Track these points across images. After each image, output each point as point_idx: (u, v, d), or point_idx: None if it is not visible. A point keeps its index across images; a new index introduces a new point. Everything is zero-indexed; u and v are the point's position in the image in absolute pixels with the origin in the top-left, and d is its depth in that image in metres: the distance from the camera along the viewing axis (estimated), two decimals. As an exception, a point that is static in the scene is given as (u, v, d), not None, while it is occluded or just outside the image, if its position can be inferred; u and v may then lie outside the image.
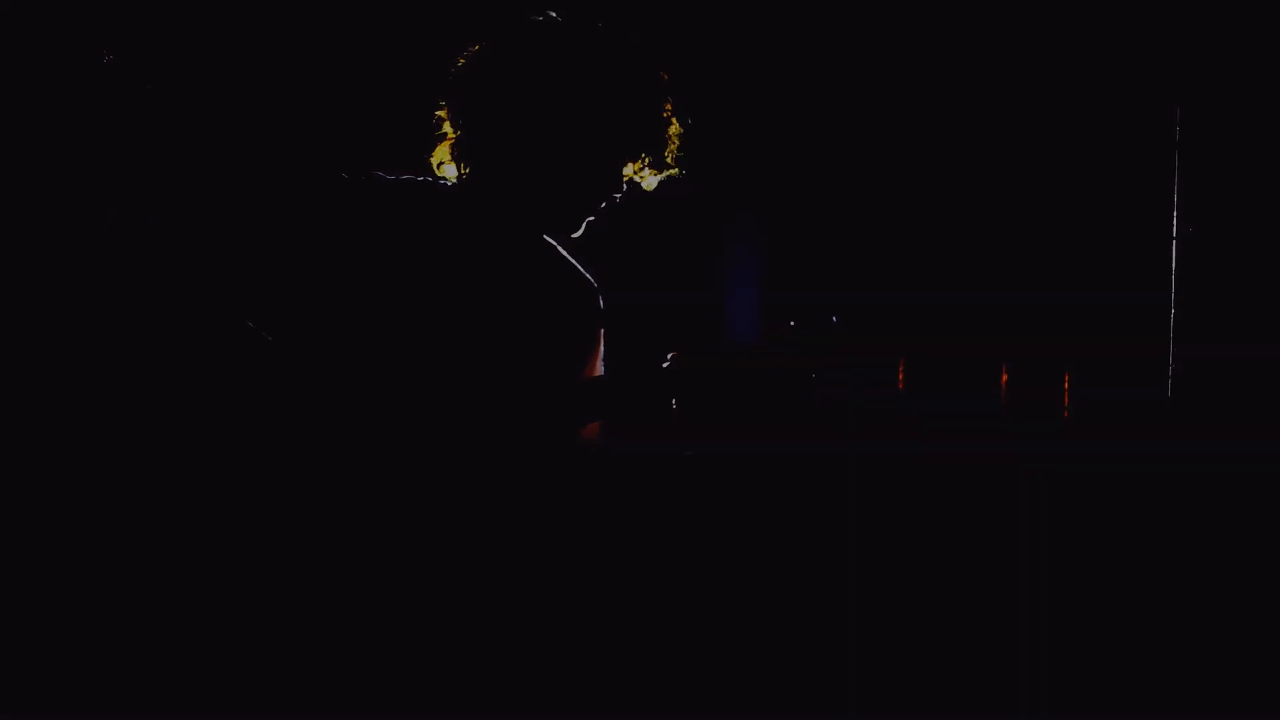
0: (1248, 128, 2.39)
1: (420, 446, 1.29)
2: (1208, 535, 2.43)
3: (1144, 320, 2.54)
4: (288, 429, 1.26)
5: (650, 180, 1.43)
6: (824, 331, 1.43)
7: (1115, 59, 2.53)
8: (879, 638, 2.41)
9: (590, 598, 1.44)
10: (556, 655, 1.38)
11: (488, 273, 1.36)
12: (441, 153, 1.41)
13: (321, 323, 1.27)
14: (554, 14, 1.36)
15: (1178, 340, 2.49)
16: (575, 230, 1.41)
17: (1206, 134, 2.44)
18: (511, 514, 1.35)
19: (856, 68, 2.65)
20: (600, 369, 1.53)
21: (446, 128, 1.38)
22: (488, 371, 1.33)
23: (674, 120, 1.40)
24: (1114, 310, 2.57)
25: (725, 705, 2.18)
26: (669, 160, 1.42)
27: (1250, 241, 2.40)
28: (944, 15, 2.60)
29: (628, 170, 1.40)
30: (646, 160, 1.40)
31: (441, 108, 1.38)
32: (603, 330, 1.53)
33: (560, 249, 1.50)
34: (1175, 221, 2.48)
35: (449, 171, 1.41)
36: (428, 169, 1.43)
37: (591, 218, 1.41)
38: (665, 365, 1.37)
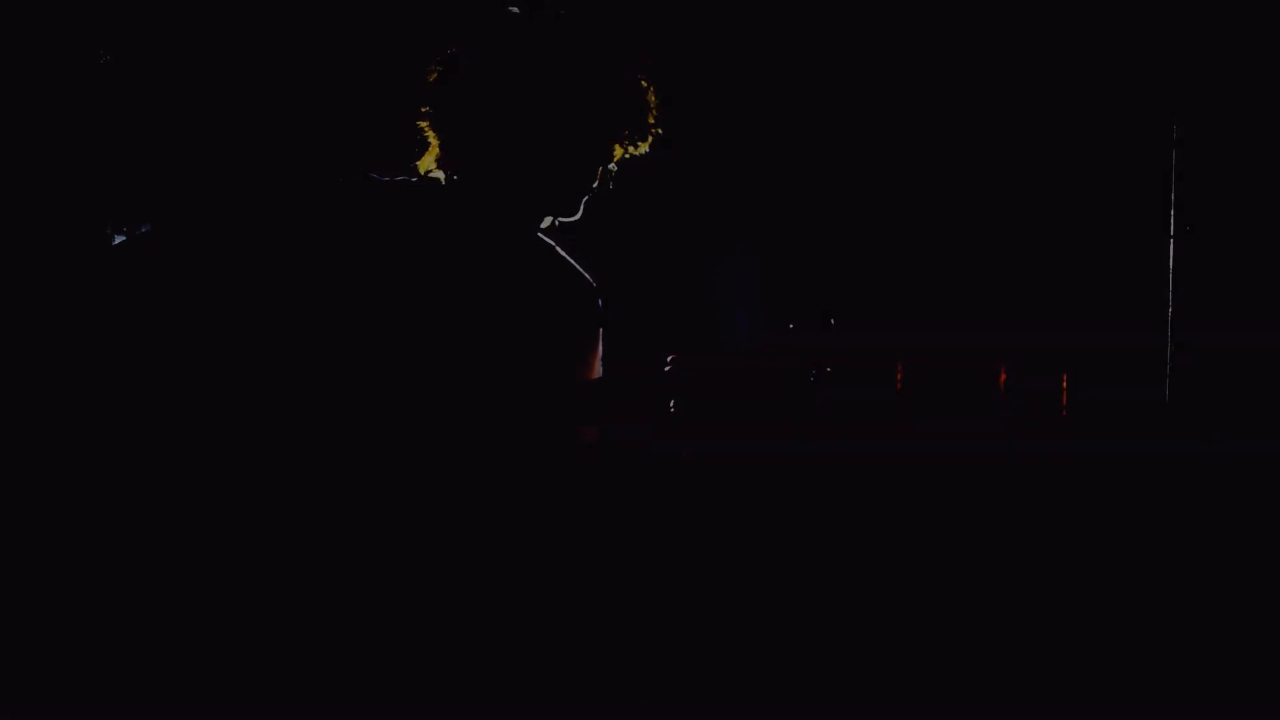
0: (1247, 129, 2.40)
1: (421, 447, 1.29)
2: (1207, 537, 2.43)
3: (1143, 320, 2.54)
4: (289, 430, 1.26)
5: (641, 148, 1.43)
6: (822, 333, 1.43)
7: (1114, 60, 2.53)
8: (876, 639, 2.41)
9: (589, 598, 1.44)
10: (556, 656, 1.38)
11: (487, 273, 1.37)
12: (428, 161, 1.41)
13: (322, 325, 1.27)
14: (513, 9, 1.36)
15: (1175, 339, 2.49)
16: (574, 213, 1.42)
17: (1205, 135, 2.44)
18: (511, 514, 1.35)
19: (857, 68, 2.65)
20: (600, 369, 1.53)
21: (429, 135, 1.39)
22: (488, 372, 1.33)
23: (649, 88, 1.40)
24: (1114, 310, 2.57)
25: (724, 705, 2.18)
26: (652, 126, 1.42)
27: (1250, 242, 2.41)
28: (944, 18, 2.60)
29: (616, 151, 1.41)
30: (628, 133, 1.40)
31: (421, 118, 1.39)
32: (602, 330, 1.53)
33: (559, 249, 1.50)
34: (1173, 222, 2.48)
35: (439, 175, 1.42)
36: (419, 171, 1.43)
37: (587, 197, 1.41)
38: (666, 368, 1.37)
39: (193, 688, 1.23)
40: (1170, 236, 2.49)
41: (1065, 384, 2.58)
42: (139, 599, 1.24)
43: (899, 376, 2.60)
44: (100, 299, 1.25)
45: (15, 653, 1.24)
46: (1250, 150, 2.40)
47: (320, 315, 1.27)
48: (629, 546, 1.92)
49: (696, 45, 2.60)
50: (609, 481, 1.54)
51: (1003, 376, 2.59)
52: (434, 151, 1.39)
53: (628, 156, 1.43)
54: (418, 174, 1.42)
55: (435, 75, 1.36)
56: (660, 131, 1.43)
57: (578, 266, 1.52)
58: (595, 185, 1.41)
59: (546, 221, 1.45)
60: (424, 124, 1.39)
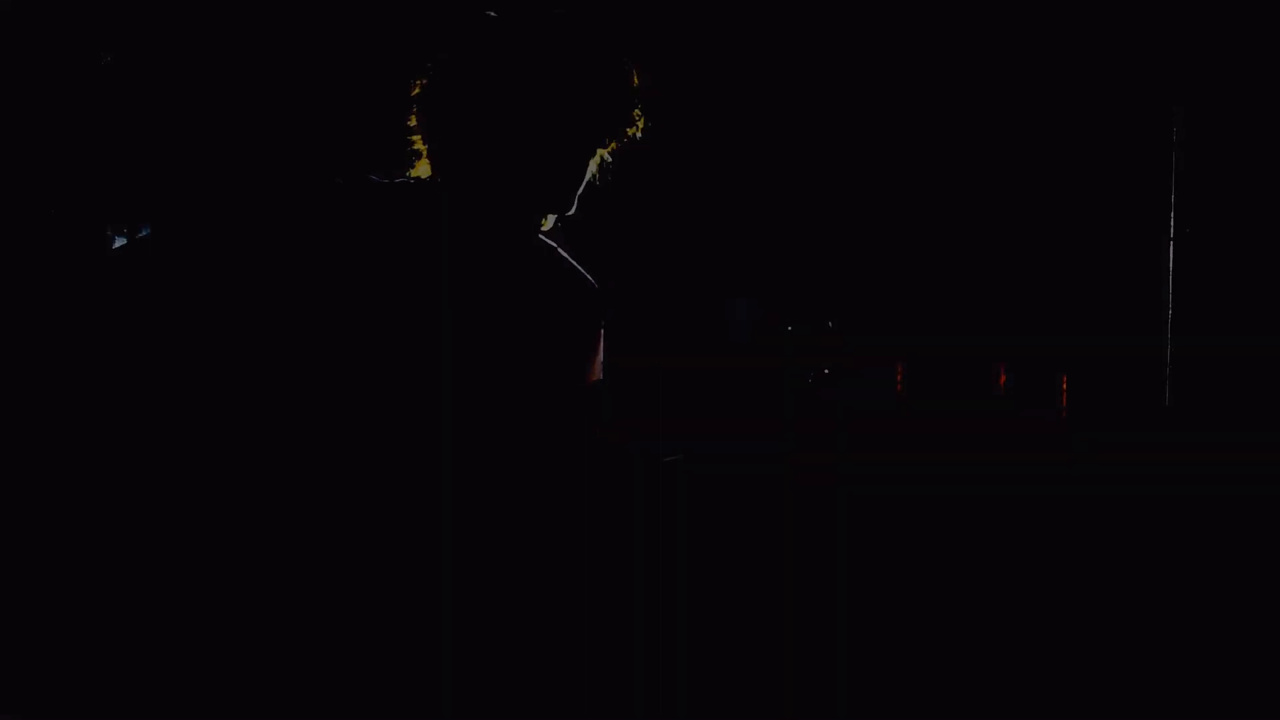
0: (1246, 131, 2.40)
1: (423, 448, 1.29)
2: (1206, 538, 2.43)
3: (1142, 322, 2.54)
4: (295, 435, 1.26)
5: (634, 131, 1.44)
6: (821, 335, 1.44)
7: (1113, 63, 2.54)
8: (873, 639, 2.41)
9: (589, 599, 1.44)
10: (554, 657, 1.38)
11: (489, 275, 1.37)
12: (422, 167, 1.42)
13: (325, 328, 1.26)
14: (490, 12, 1.37)
15: (1174, 342, 2.50)
16: (568, 208, 1.42)
17: (1205, 136, 2.44)
18: (513, 516, 1.35)
19: (858, 69, 2.65)
20: (600, 372, 1.53)
21: (420, 146, 1.40)
22: (490, 373, 1.33)
23: (632, 73, 1.41)
24: (1113, 312, 2.57)
25: (722, 706, 2.18)
26: (638, 120, 1.43)
27: (1249, 243, 2.41)
28: (945, 21, 2.61)
29: (609, 144, 1.42)
30: (615, 124, 1.41)
31: (411, 131, 1.40)
32: (603, 332, 1.53)
33: (561, 250, 1.50)
34: (1173, 223, 2.48)
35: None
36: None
37: (580, 191, 1.42)
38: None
39: (193, 688, 1.23)
40: (1170, 239, 2.49)
41: (1065, 385, 2.59)
42: (140, 599, 1.24)
43: (899, 378, 2.60)
44: (100, 300, 1.25)
45: (15, 653, 1.24)
46: (1251, 152, 2.40)
47: (324, 318, 1.27)
48: (626, 549, 1.92)
49: (694, 45, 2.60)
50: (605, 483, 1.54)
51: (1002, 378, 2.59)
52: (424, 162, 1.40)
53: (618, 147, 1.44)
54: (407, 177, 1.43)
55: (419, 88, 1.37)
56: (642, 121, 1.44)
57: (580, 268, 1.52)
58: (588, 179, 1.42)
59: (550, 221, 1.45)
60: (415, 138, 1.40)
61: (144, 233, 1.26)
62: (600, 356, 1.53)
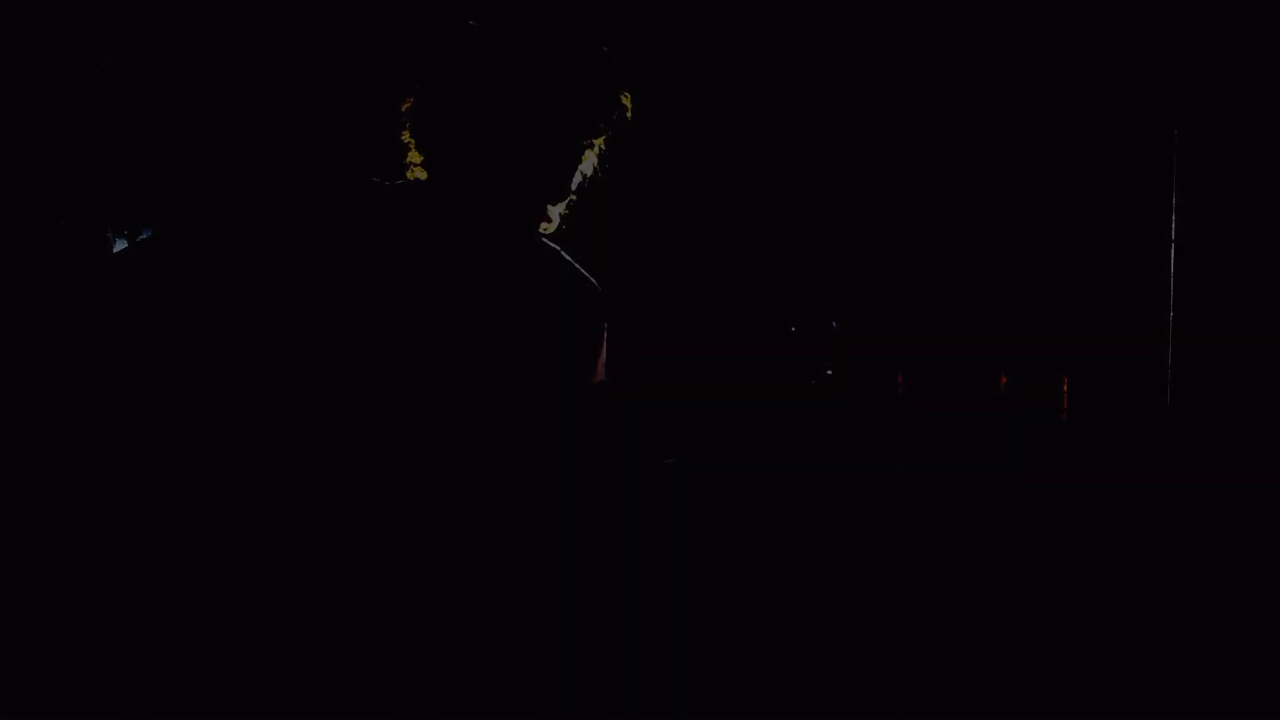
0: (1246, 134, 2.40)
1: (425, 450, 1.29)
2: (1206, 541, 2.44)
3: (1143, 323, 2.54)
4: (297, 434, 1.26)
5: (626, 111, 1.46)
6: (824, 335, 1.44)
7: (1114, 65, 2.54)
8: (873, 641, 2.41)
9: (587, 601, 1.45)
10: (552, 658, 1.38)
11: (492, 277, 1.37)
12: (419, 172, 1.43)
13: (332, 330, 1.27)
14: (471, 22, 1.39)
15: (1175, 342, 2.50)
16: (563, 196, 1.43)
17: (1206, 138, 2.44)
18: (514, 516, 1.35)
19: (858, 68, 2.66)
20: (604, 372, 1.54)
21: (414, 156, 1.41)
22: (491, 374, 1.33)
23: (614, 68, 1.43)
24: (1114, 315, 2.57)
25: (720, 707, 2.19)
26: (627, 106, 1.45)
27: (1250, 245, 2.41)
28: (947, 21, 2.61)
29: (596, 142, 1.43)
30: (604, 116, 1.43)
31: (405, 142, 1.42)
32: (605, 334, 1.54)
33: (564, 254, 1.51)
34: (1174, 226, 2.49)
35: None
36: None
37: (573, 191, 1.43)
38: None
39: (192, 688, 1.24)
40: (1172, 242, 2.49)
41: (1065, 388, 2.59)
42: (141, 599, 1.25)
43: (900, 380, 2.60)
44: (104, 303, 1.26)
45: (15, 653, 1.25)
46: (1253, 154, 2.40)
47: (330, 319, 1.27)
48: (626, 550, 1.92)
49: (695, 45, 2.61)
50: (603, 485, 1.55)
51: (1003, 380, 2.60)
52: (418, 170, 1.41)
53: (611, 136, 1.45)
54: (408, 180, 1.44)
55: (409, 103, 1.39)
56: (630, 104, 1.45)
57: (582, 270, 1.52)
58: (590, 174, 1.44)
59: (554, 224, 1.46)
60: (410, 152, 1.41)
61: (147, 235, 1.26)
62: (603, 357, 1.54)
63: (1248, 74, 2.38)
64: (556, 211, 1.47)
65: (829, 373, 2.49)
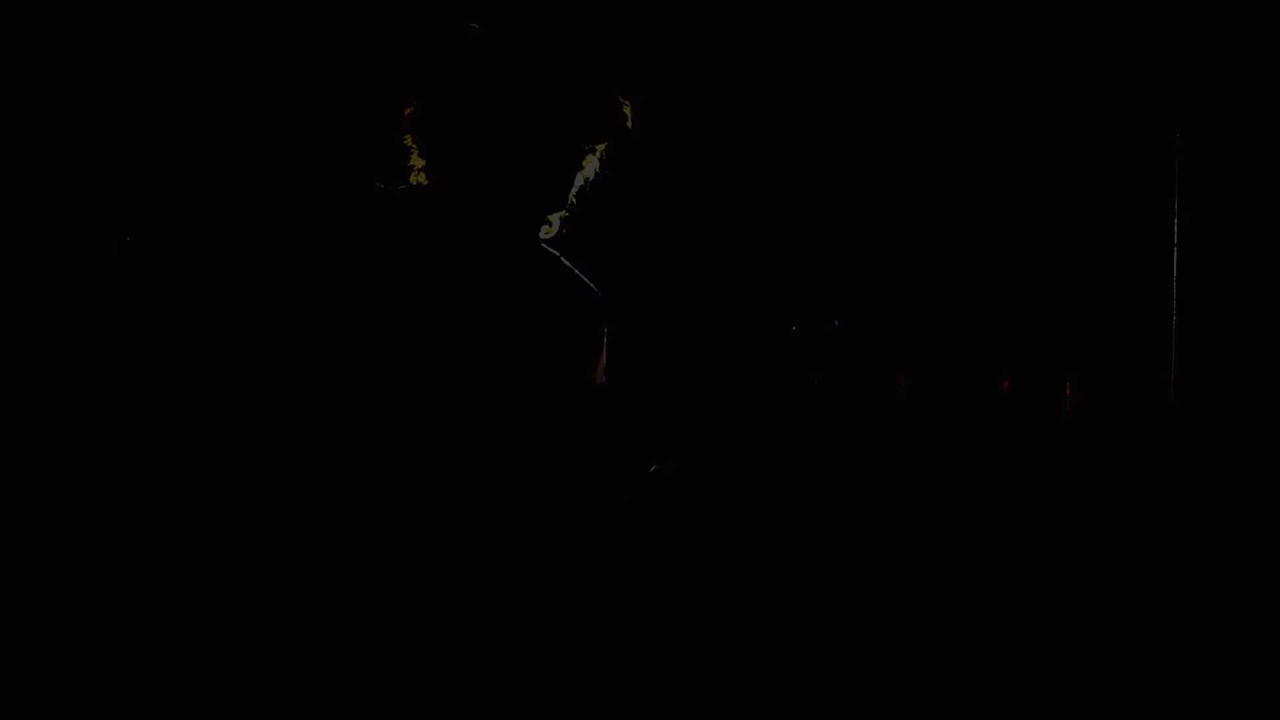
0: (1249, 137, 2.40)
1: (425, 452, 1.30)
2: (1206, 542, 2.44)
3: (1145, 326, 2.54)
4: (299, 436, 1.27)
5: (626, 111, 1.46)
6: (826, 336, 1.45)
7: (1116, 67, 2.53)
8: (872, 643, 2.41)
9: (586, 602, 1.46)
10: (551, 658, 1.39)
11: (494, 283, 1.38)
12: (419, 177, 1.44)
13: (335, 335, 1.28)
14: (474, 25, 1.39)
15: (1179, 348, 2.50)
16: (562, 206, 1.44)
17: (1207, 140, 2.44)
18: (514, 518, 1.36)
19: (859, 68, 2.65)
20: (604, 376, 1.54)
21: (415, 161, 1.42)
22: (492, 378, 1.34)
23: (614, 76, 1.43)
24: (1115, 316, 2.57)
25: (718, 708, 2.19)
26: (626, 113, 1.45)
27: (1252, 249, 2.41)
28: (950, 22, 2.60)
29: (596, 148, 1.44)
30: (603, 124, 1.43)
31: (406, 145, 1.42)
32: (605, 338, 1.55)
33: (564, 260, 1.52)
34: (1176, 229, 2.48)
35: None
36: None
37: (574, 195, 1.44)
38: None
39: (192, 688, 1.25)
40: (1174, 245, 2.49)
41: (1069, 389, 2.59)
42: (142, 600, 1.26)
43: (901, 381, 2.60)
44: (107, 305, 1.27)
45: (15, 653, 1.26)
46: (1254, 156, 2.40)
47: (332, 325, 1.28)
48: (624, 551, 1.93)
49: (696, 46, 2.61)
50: (602, 487, 1.55)
51: (1006, 383, 2.60)
52: (420, 175, 1.42)
53: (610, 144, 1.46)
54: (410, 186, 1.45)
55: (410, 109, 1.39)
56: (630, 112, 1.46)
57: (582, 276, 1.53)
58: (591, 179, 1.44)
59: (554, 229, 1.47)
60: (414, 160, 1.42)
61: (154, 241, 1.28)
62: (603, 362, 1.54)
63: (1249, 75, 2.37)
64: (556, 216, 1.48)
65: (830, 373, 2.49)
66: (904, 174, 2.66)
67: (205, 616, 1.25)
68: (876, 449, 2.55)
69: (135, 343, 1.26)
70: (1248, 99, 2.38)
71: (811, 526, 2.44)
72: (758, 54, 2.65)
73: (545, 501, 1.39)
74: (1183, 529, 2.44)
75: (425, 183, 1.42)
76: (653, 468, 1.58)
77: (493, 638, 1.33)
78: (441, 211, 1.38)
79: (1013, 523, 2.50)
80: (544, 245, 1.49)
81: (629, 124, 1.46)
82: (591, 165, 1.45)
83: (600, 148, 1.45)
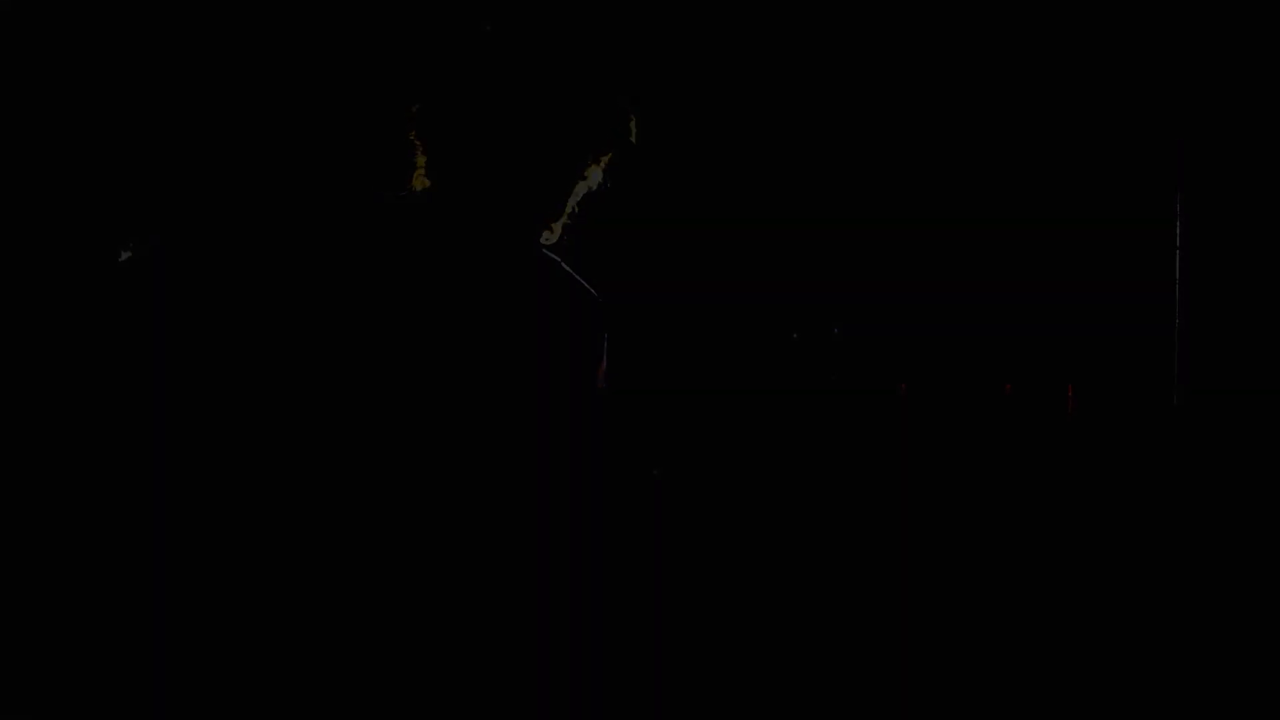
0: (1251, 140, 2.39)
1: (424, 456, 1.30)
2: (1206, 543, 2.43)
3: (1147, 330, 2.54)
4: (299, 442, 1.27)
5: (630, 123, 1.46)
6: (826, 341, 1.44)
7: (1117, 66, 2.53)
8: (873, 644, 2.41)
9: (584, 603, 1.45)
10: (548, 659, 1.39)
11: (494, 288, 1.38)
12: (420, 178, 1.44)
13: (328, 341, 1.28)
14: (487, 27, 1.39)
15: (1181, 351, 2.49)
16: (559, 216, 1.44)
17: (1209, 142, 2.44)
18: (511, 524, 1.36)
19: (859, 68, 2.65)
20: (603, 381, 1.54)
21: (419, 161, 1.42)
22: (491, 381, 1.34)
23: (623, 87, 1.43)
24: (1116, 318, 2.57)
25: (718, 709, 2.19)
26: (631, 126, 1.45)
27: (1256, 253, 2.40)
28: (954, 23, 2.61)
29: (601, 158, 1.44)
30: (609, 134, 1.43)
31: (411, 144, 1.42)
32: (605, 343, 1.55)
33: (564, 265, 1.52)
34: (1179, 230, 2.48)
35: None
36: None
37: (575, 202, 1.44)
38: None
39: (192, 688, 1.25)
40: (1177, 248, 2.49)
41: (1071, 390, 2.59)
42: (144, 602, 1.25)
43: (902, 387, 2.60)
44: (110, 313, 1.27)
45: (15, 653, 1.26)
46: (1256, 158, 2.39)
47: (332, 329, 1.28)
48: (623, 554, 1.93)
49: (697, 48, 2.61)
50: (601, 491, 1.55)
51: (1008, 387, 2.59)
52: (422, 179, 1.42)
53: (614, 155, 1.46)
54: (412, 192, 1.45)
55: (417, 107, 1.40)
56: (635, 126, 1.46)
57: (581, 279, 1.53)
58: (593, 188, 1.44)
59: (556, 235, 1.47)
60: (419, 161, 1.42)
61: (154, 245, 1.27)
62: (604, 367, 1.54)
63: (1250, 76, 2.37)
64: (559, 223, 1.48)
65: (832, 379, 2.50)
66: (905, 174, 2.66)
67: (205, 616, 1.25)
68: (877, 453, 2.55)
69: (135, 343, 1.26)
70: (1249, 100, 2.38)
71: (812, 530, 2.44)
72: (758, 54, 2.65)
73: (544, 506, 1.39)
74: (1185, 533, 2.44)
75: (427, 183, 1.42)
76: (654, 472, 1.58)
77: (493, 637, 1.33)
78: (441, 216, 1.38)
79: (1014, 526, 2.49)
80: (545, 250, 1.49)
81: (633, 138, 1.46)
82: (595, 175, 1.45)
83: (604, 159, 1.45)
